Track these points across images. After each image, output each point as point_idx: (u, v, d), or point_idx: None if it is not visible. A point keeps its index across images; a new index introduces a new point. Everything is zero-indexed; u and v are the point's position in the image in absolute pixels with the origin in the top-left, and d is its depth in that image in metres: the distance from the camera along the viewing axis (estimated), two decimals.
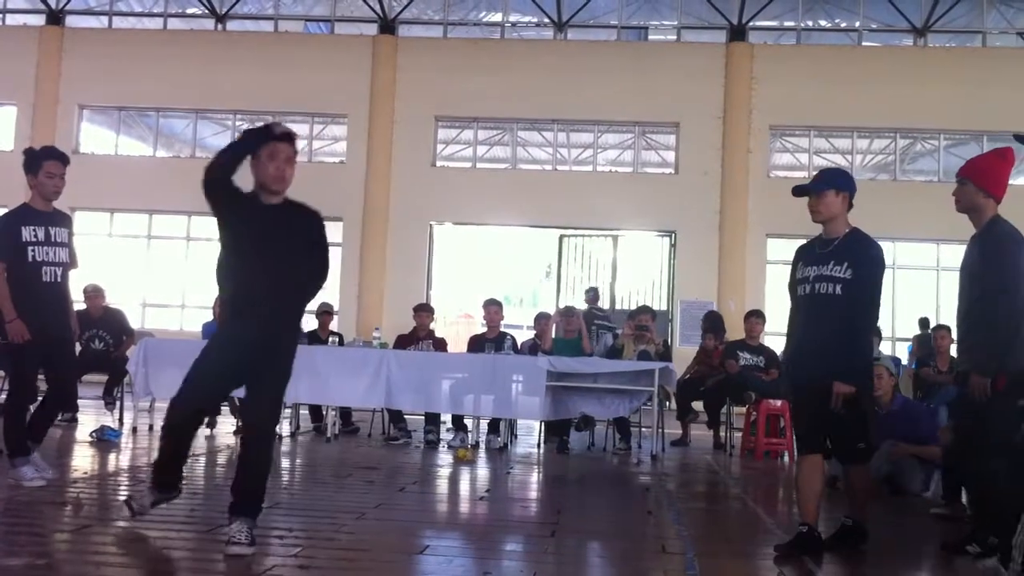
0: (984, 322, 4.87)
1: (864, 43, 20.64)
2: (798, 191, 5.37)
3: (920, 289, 19.18)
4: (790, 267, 5.45)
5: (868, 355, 5.19)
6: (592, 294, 14.37)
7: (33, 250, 6.17)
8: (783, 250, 19.75)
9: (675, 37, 21.23)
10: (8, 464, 6.15)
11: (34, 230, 6.22)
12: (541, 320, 11.02)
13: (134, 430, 9.77)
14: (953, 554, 5.03)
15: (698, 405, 11.20)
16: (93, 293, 10.95)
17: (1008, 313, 4.77)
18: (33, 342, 6.04)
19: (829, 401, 4.92)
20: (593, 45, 20.64)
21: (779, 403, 10.00)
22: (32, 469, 6.06)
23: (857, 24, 20.72)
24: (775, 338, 13.88)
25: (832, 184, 5.22)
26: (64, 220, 6.52)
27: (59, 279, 6.32)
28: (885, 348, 15.94)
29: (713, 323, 11.91)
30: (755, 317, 11.15)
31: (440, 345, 10.59)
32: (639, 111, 19.96)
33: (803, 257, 5.33)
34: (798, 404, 5.33)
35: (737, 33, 20.08)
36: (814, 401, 5.02)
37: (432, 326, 11.00)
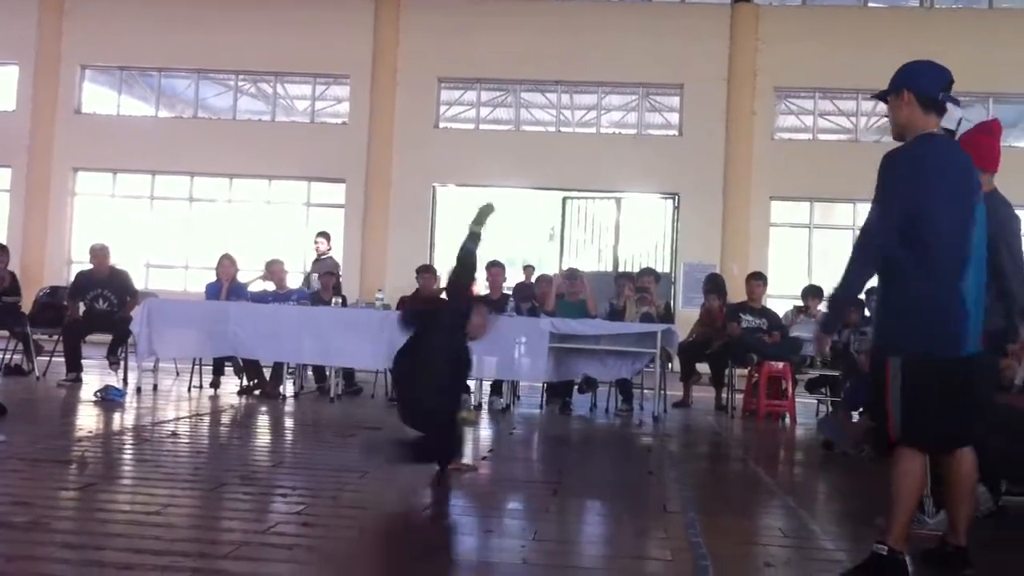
0: None
1: (870, 4, 20.47)
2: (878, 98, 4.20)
3: None
4: (899, 174, 3.92)
5: (884, 311, 4.07)
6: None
7: None
8: (787, 213, 19.74)
9: None
10: None
11: None
12: (543, 282, 11.03)
13: (138, 390, 9.82)
14: None
15: (702, 367, 11.23)
16: (99, 252, 10.91)
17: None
18: None
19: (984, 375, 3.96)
20: (597, 5, 20.45)
21: (781, 365, 10.05)
22: None
23: None
24: (777, 301, 13.94)
25: (889, 88, 4.10)
26: None
27: None
28: None
29: (716, 284, 11.91)
30: (757, 279, 11.16)
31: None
32: (643, 73, 19.83)
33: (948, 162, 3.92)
34: (968, 383, 3.88)
35: None
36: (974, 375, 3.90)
37: (435, 287, 11.00)
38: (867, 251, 3.94)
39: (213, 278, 11.11)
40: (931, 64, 4.11)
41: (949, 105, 4.11)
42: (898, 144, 4.04)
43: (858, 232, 4.06)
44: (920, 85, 4.03)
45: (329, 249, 13.01)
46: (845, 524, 4.96)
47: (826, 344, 4.14)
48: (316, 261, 12.85)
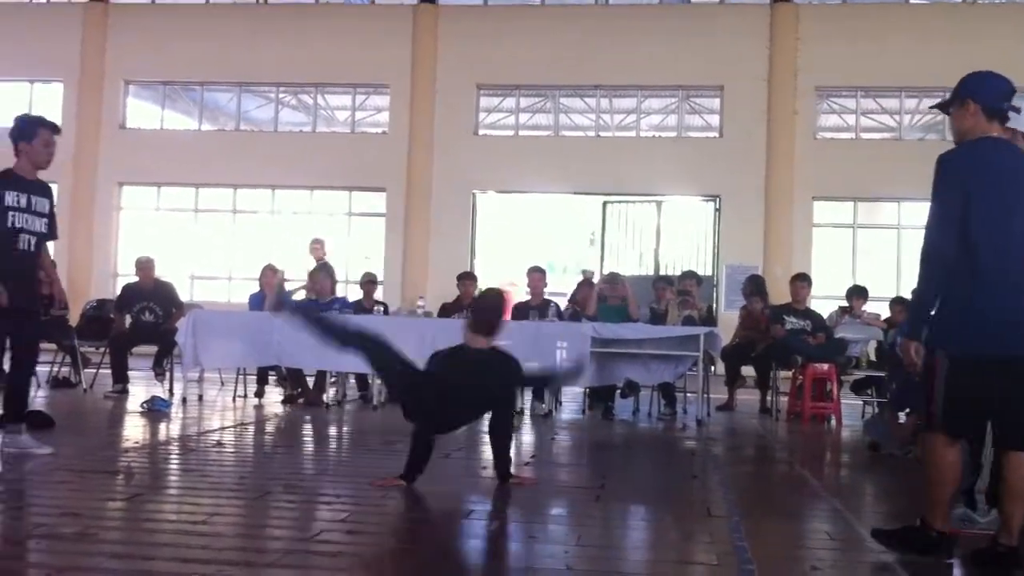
0: None
1: (911, 0, 20.26)
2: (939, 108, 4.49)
3: None
4: (953, 176, 4.06)
5: (937, 309, 4.10)
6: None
7: (13, 216, 6.14)
8: (830, 213, 19.57)
9: None
10: None
11: (17, 196, 6.18)
12: (583, 287, 11.00)
13: (184, 400, 9.90)
14: None
15: (747, 370, 11.14)
16: (145, 265, 11.05)
17: None
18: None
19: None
20: (635, 8, 20.40)
21: (826, 367, 9.95)
22: None
23: None
24: (821, 302, 13.79)
25: (955, 96, 4.26)
26: (46, 191, 6.44)
27: (33, 248, 6.29)
28: None
29: (757, 286, 11.83)
30: (801, 281, 11.05)
31: None
32: (682, 75, 19.76)
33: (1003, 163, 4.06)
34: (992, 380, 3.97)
35: None
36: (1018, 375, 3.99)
37: (476, 294, 11.01)
38: (932, 257, 4.04)
39: (256, 289, 11.19)
40: (994, 74, 4.20)
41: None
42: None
43: (921, 233, 4.13)
44: (985, 96, 4.13)
45: (325, 254, 13.01)
46: (893, 527, 4.88)
47: (911, 350, 4.11)
48: (315, 268, 12.73)
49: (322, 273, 11.45)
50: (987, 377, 3.96)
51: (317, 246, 12.87)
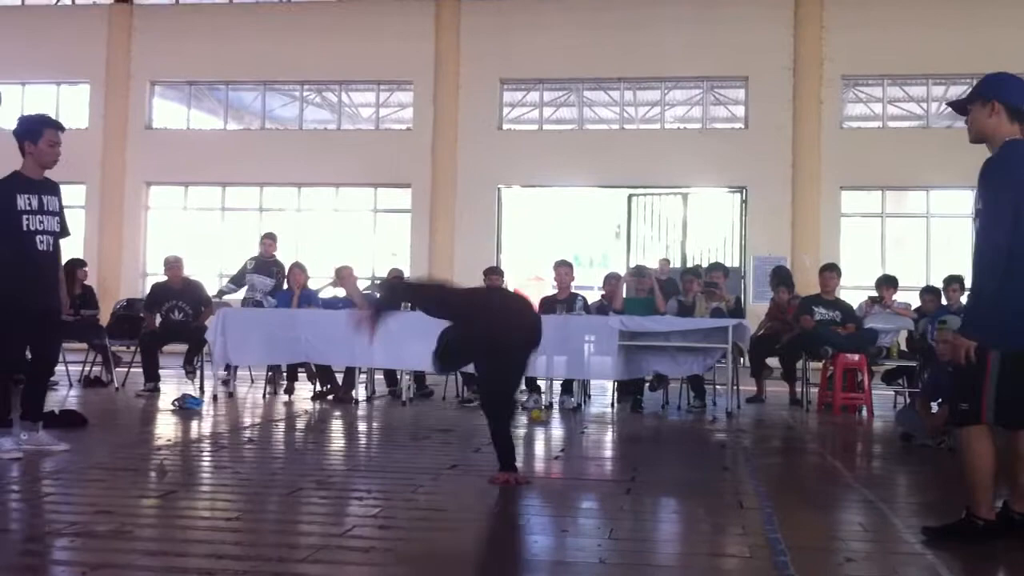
0: None
1: None
2: (955, 106, 4.57)
3: None
4: (1005, 176, 4.26)
5: (989, 307, 4.21)
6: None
7: (28, 219, 6.09)
8: (857, 203, 19.42)
9: None
10: None
11: (28, 198, 6.11)
12: (611, 280, 10.99)
13: (215, 398, 9.96)
14: None
15: (772, 361, 11.10)
16: (174, 264, 11.13)
17: None
18: (22, 313, 6.04)
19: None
20: (657, 0, 20.31)
21: (856, 357, 9.88)
22: (11, 441, 6.02)
23: None
24: (850, 292, 13.70)
25: (976, 95, 4.35)
26: (55, 188, 6.35)
27: (51, 248, 6.24)
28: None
29: (782, 277, 11.78)
30: (830, 271, 10.98)
31: None
32: (706, 66, 19.65)
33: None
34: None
35: None
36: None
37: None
38: (988, 256, 4.18)
39: (284, 286, 11.25)
40: (1014, 76, 4.35)
41: None
42: (976, 148, 4.39)
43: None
44: (1010, 96, 4.25)
45: (276, 250, 12.85)
46: (926, 517, 4.84)
47: (966, 349, 4.20)
48: (262, 262, 12.42)
49: (265, 269, 11.56)
50: None
51: (269, 241, 12.70)
